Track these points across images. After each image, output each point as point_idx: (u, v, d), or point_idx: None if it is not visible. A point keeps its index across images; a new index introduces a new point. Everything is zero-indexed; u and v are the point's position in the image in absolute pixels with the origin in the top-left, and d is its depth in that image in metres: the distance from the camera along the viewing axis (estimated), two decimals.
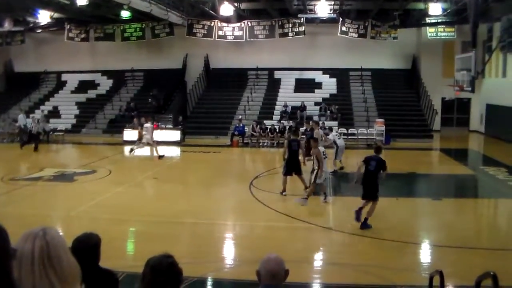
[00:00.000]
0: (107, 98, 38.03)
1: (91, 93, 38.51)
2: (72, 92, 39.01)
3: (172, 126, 31.83)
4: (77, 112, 36.36)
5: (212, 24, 34.44)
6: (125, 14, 32.28)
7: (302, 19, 33.95)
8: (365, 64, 37.61)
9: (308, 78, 38.24)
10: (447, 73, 33.07)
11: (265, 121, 31.71)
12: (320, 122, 26.27)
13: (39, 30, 38.18)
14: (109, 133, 33.02)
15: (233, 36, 34.93)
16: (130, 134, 30.44)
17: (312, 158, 16.88)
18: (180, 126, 31.54)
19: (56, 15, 33.78)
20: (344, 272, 10.32)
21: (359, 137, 30.76)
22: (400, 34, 34.73)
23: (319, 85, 37.64)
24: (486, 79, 34.36)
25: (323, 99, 35.68)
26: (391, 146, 28.71)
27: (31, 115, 31.76)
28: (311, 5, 33.08)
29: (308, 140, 19.00)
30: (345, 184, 18.96)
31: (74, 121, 35.34)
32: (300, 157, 17.66)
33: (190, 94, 37.92)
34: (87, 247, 4.37)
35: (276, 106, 35.37)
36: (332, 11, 33.44)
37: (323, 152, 15.79)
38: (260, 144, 29.72)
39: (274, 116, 33.92)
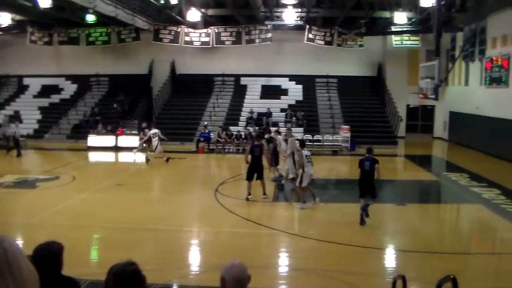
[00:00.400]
0: (71, 103, 37.46)
1: (55, 98, 37.96)
2: (35, 96, 38.38)
3: (137, 132, 31.54)
4: (39, 117, 35.80)
5: (178, 30, 34.32)
6: (90, 18, 31.88)
7: (269, 26, 34.10)
8: (331, 71, 37.89)
9: (274, 84, 38.33)
10: (412, 81, 33.54)
11: (231, 127, 31.68)
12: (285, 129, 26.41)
13: (0, 33, 37.44)
14: (73, 139, 32.58)
15: (199, 42, 34.85)
16: (94, 140, 30.22)
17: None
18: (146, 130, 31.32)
19: (18, 17, 33.14)
20: (309, 277, 10.34)
21: (325, 143, 30.91)
22: (366, 42, 35.11)
23: (285, 92, 37.76)
24: (450, 87, 34.95)
25: (289, 105, 35.78)
26: (356, 153, 28.90)
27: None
28: (278, 12, 33.22)
29: (274, 148, 19.19)
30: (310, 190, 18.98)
31: (36, 126, 34.76)
32: (265, 162, 17.84)
33: (155, 100, 37.67)
34: (48, 255, 4.27)
35: (242, 113, 35.37)
36: (299, 18, 33.64)
37: (306, 155, 16.09)
38: (226, 151, 29.65)
39: (240, 123, 33.91)
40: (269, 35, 34.34)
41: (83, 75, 38.96)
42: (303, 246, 12.49)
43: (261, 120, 33.37)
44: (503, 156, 26.27)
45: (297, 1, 30.04)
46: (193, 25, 33.66)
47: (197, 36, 34.65)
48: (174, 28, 34.38)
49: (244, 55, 36.89)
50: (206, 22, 34.00)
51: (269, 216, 15.53)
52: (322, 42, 34.63)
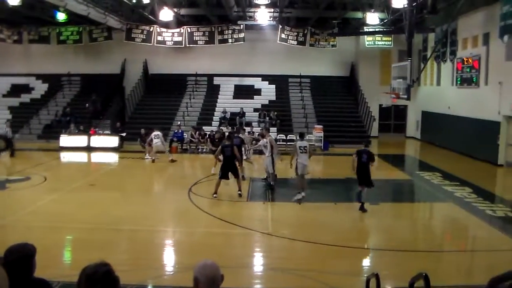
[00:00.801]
0: (42, 102, 37.00)
1: (25, 97, 37.44)
2: (4, 96, 37.77)
3: (109, 132, 31.34)
4: (9, 116, 35.20)
5: (151, 29, 34.15)
6: (61, 16, 31.56)
7: (241, 25, 34.09)
8: (304, 71, 38.05)
9: (247, 84, 38.34)
10: (384, 81, 33.83)
11: (204, 127, 31.59)
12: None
13: None
14: (45, 139, 32.18)
15: (172, 42, 34.71)
16: (66, 140, 29.92)
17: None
18: (120, 130, 31.17)
19: None
20: (284, 277, 10.35)
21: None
22: (338, 42, 35.31)
23: (258, 92, 37.78)
24: (422, 87, 35.31)
25: (262, 105, 35.83)
26: (330, 152, 29.11)
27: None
28: (251, 12, 33.19)
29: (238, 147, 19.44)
30: (283, 190, 19.03)
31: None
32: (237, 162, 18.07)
33: (128, 100, 37.38)
34: (20, 258, 4.19)
35: (215, 112, 35.30)
36: (271, 18, 33.64)
37: (300, 146, 16.80)
38: (199, 150, 29.54)
39: (213, 122, 33.85)
40: (242, 35, 34.34)
41: (54, 74, 38.48)
42: (277, 246, 12.50)
43: (234, 120, 33.34)
44: (474, 155, 26.64)
45: (269, 1, 30.02)
46: (166, 25, 33.49)
47: (170, 36, 34.51)
48: (147, 28, 34.19)
49: (217, 55, 36.86)
50: (179, 21, 33.84)
51: (243, 215, 15.52)
52: (295, 42, 34.74)
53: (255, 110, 35.24)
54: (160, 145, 25.54)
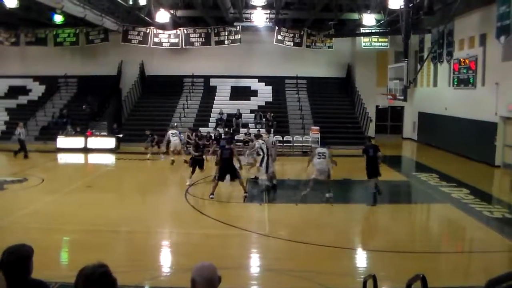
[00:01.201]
0: (39, 104, 36.99)
1: (22, 99, 37.43)
2: (1, 97, 37.72)
3: (106, 134, 31.34)
4: (7, 118, 35.25)
5: (147, 31, 34.15)
6: (58, 18, 31.50)
7: (238, 27, 34.11)
8: (300, 73, 38.08)
9: (244, 85, 38.35)
10: (381, 82, 33.84)
11: (200, 129, 31.53)
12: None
13: None
14: (42, 140, 32.16)
15: (168, 43, 34.72)
16: (63, 141, 29.94)
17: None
18: (117, 132, 31.16)
19: None
20: (281, 278, 10.34)
21: (295, 144, 30.98)
22: (335, 43, 35.33)
23: (254, 93, 37.80)
24: (418, 88, 35.38)
25: (259, 106, 35.86)
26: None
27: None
28: (247, 13, 33.19)
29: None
30: (280, 191, 19.05)
31: (3, 127, 34.24)
32: (236, 163, 18.03)
33: (125, 101, 37.36)
34: (17, 259, 4.18)
35: (211, 114, 35.31)
36: (268, 19, 33.65)
37: (319, 152, 17.32)
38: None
39: (209, 124, 33.86)
40: (238, 36, 34.36)
41: (51, 76, 38.41)
42: (274, 247, 12.50)
43: (231, 121, 33.37)
44: (471, 156, 26.69)
45: (266, 3, 30.02)
46: (162, 26, 33.50)
47: (166, 37, 34.53)
48: (143, 29, 34.20)
49: (214, 56, 36.83)
50: (175, 23, 33.85)
51: (239, 217, 15.51)
52: (291, 44, 34.78)
53: (252, 111, 35.25)
54: (179, 143, 25.47)
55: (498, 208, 16.55)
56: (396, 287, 9.24)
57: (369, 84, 36.21)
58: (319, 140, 30.16)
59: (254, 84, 38.46)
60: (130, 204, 17.09)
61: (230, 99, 37.19)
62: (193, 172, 19.82)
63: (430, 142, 32.94)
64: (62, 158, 28.34)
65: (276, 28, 34.07)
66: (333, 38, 35.03)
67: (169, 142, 26.01)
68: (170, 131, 25.78)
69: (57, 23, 32.78)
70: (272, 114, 33.96)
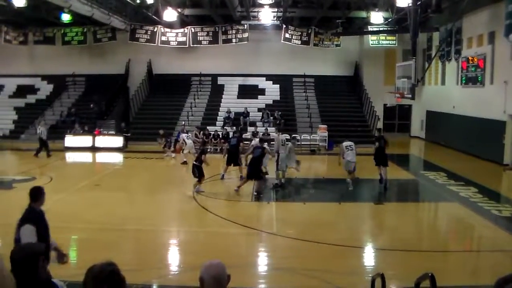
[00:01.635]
0: (47, 103, 37.12)
1: (31, 98, 37.57)
2: (10, 96, 37.92)
3: (114, 132, 31.40)
4: (15, 117, 35.40)
5: (155, 30, 34.17)
6: (65, 17, 31.60)
7: (245, 25, 34.07)
8: (308, 71, 38.04)
9: (251, 84, 38.33)
10: (389, 80, 33.72)
11: (208, 127, 31.58)
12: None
13: None
14: (50, 139, 32.09)
15: (176, 42, 34.73)
16: (71, 140, 30.02)
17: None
18: (124, 130, 31.24)
19: None
20: (289, 276, 10.35)
21: (302, 143, 30.94)
22: (342, 42, 35.28)
23: (262, 91, 37.78)
24: (426, 86, 35.25)
25: (266, 105, 35.81)
26: (334, 152, 29.00)
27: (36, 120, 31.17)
28: (255, 12, 33.19)
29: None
30: (288, 190, 19.06)
31: (12, 126, 34.40)
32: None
33: (132, 100, 37.43)
34: (26, 257, 4.19)
35: (219, 112, 35.31)
36: (275, 18, 33.66)
37: (346, 146, 19.11)
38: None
39: (217, 122, 33.86)
40: (246, 34, 34.32)
41: (59, 75, 38.53)
42: (282, 245, 12.50)
43: (239, 120, 33.36)
44: (479, 155, 26.56)
45: (273, 1, 29.99)
46: (170, 25, 33.52)
47: (174, 36, 34.52)
48: (151, 28, 34.21)
49: (221, 55, 36.85)
50: (183, 22, 33.86)
51: (247, 215, 15.52)
52: (299, 42, 34.73)
53: (259, 110, 35.21)
54: (192, 145, 25.56)
55: (506, 207, 16.48)
56: (404, 286, 9.21)
57: (377, 83, 36.12)
58: (326, 138, 30.25)
59: (261, 83, 38.44)
60: (138, 202, 17.14)
61: (238, 98, 37.19)
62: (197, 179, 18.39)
63: (438, 140, 32.82)
64: (70, 157, 28.43)
65: (284, 26, 34.01)
66: (340, 36, 34.97)
67: (177, 142, 26.36)
68: (184, 134, 25.87)
69: (65, 22, 32.87)
70: (279, 113, 33.96)
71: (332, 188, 19.58)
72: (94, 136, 30.45)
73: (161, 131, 28.54)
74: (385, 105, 35.69)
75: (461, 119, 28.90)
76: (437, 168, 24.01)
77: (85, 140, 30.26)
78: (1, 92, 38.58)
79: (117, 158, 28.57)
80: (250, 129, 31.62)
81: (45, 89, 38.81)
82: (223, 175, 20.54)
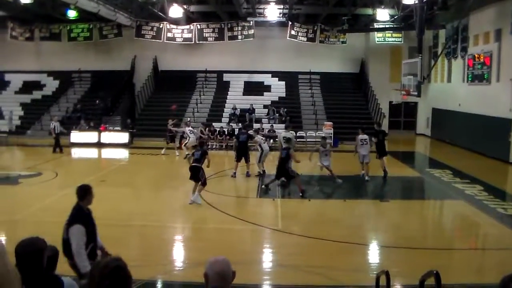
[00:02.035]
0: (53, 99, 37.24)
1: (37, 94, 37.70)
2: (16, 92, 38.06)
3: (120, 128, 31.46)
4: (21, 113, 35.54)
5: (161, 26, 34.16)
6: (71, 14, 31.60)
7: (251, 22, 34.04)
8: (314, 68, 38.01)
9: (257, 81, 38.32)
10: (395, 78, 33.70)
11: (214, 124, 31.64)
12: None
13: None
14: (52, 134, 32.28)
15: (182, 39, 34.72)
16: (77, 136, 30.08)
17: None
18: (131, 127, 31.28)
19: None
20: (294, 273, 10.35)
21: (308, 139, 30.94)
22: (348, 39, 35.20)
23: (268, 88, 37.78)
24: (432, 84, 35.18)
25: (272, 102, 35.82)
26: (339, 149, 28.98)
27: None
28: (261, 8, 33.15)
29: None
30: (293, 187, 19.05)
31: (18, 122, 34.54)
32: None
33: (138, 96, 37.48)
34: (31, 252, 4.20)
35: (225, 109, 35.34)
36: (281, 15, 33.59)
37: (361, 139, 20.31)
38: (209, 147, 29.56)
39: (223, 119, 33.89)
40: (252, 31, 34.28)
41: (65, 71, 38.61)
42: (287, 242, 12.50)
43: (244, 117, 33.37)
44: (485, 153, 26.51)
45: None
46: (176, 22, 33.51)
47: (180, 33, 34.51)
48: (156, 25, 34.21)
49: (227, 51, 36.87)
50: (189, 18, 33.86)
51: (252, 212, 15.55)
52: (305, 39, 34.67)
53: (265, 106, 35.25)
54: (195, 140, 25.70)
55: None
56: (409, 284, 9.22)
57: (383, 80, 36.07)
58: (332, 135, 30.22)
59: (267, 80, 38.42)
60: (143, 198, 17.18)
61: (243, 94, 37.19)
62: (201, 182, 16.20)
63: (444, 138, 32.76)
64: (76, 152, 28.47)
65: (290, 23, 33.96)
66: (346, 33, 34.88)
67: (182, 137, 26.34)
68: (188, 128, 25.93)
69: (71, 18, 32.83)
70: (285, 109, 33.97)
71: (337, 185, 19.56)
72: (99, 132, 30.54)
73: (170, 121, 28.14)
74: (391, 102, 35.68)
75: (467, 116, 28.83)
76: (443, 166, 23.95)
77: (90, 136, 30.37)
78: (8, 88, 38.70)
79: (123, 154, 28.62)
80: (256, 125, 31.63)
81: (51, 85, 38.90)
82: (234, 173, 20.51)
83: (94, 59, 38.36)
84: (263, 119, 33.13)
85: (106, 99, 35.37)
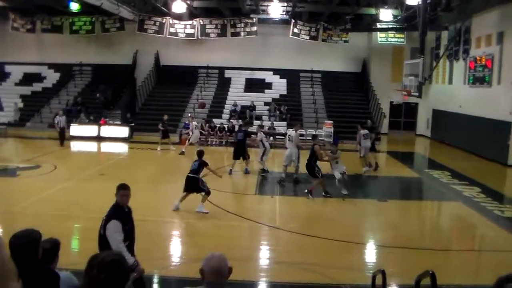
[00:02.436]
0: (53, 91, 37.25)
1: (37, 86, 37.72)
2: (16, 84, 38.05)
3: (120, 122, 31.46)
4: (21, 105, 35.52)
5: (163, 21, 34.13)
6: (74, 6, 31.57)
7: (254, 19, 34.02)
8: (315, 66, 38.05)
9: (258, 78, 38.35)
10: (396, 78, 33.73)
11: (214, 120, 31.65)
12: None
13: None
14: (55, 128, 32.26)
15: (184, 34, 34.70)
16: (77, 129, 30.07)
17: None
18: (130, 121, 31.27)
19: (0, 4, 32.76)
20: (290, 270, 10.37)
21: (308, 138, 30.91)
22: (351, 38, 35.21)
23: (269, 86, 37.80)
24: (433, 85, 35.17)
25: (273, 99, 35.84)
26: (339, 148, 28.92)
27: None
28: (264, 5, 33.14)
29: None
30: (291, 184, 19.08)
31: (18, 114, 34.48)
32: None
33: (139, 91, 37.48)
34: (26, 243, 4.19)
35: (225, 105, 35.34)
36: (284, 12, 33.58)
37: (363, 134, 21.47)
38: (209, 143, 29.61)
39: (223, 115, 33.90)
40: (254, 28, 34.28)
41: (66, 64, 38.64)
42: (285, 239, 12.52)
43: (245, 113, 33.38)
44: (484, 155, 26.53)
45: None
46: (178, 17, 33.50)
47: (182, 28, 34.49)
48: (159, 19, 34.18)
49: (229, 47, 36.87)
50: (191, 14, 33.86)
51: (250, 209, 15.56)
52: (307, 37, 34.65)
53: (266, 104, 35.28)
54: (198, 136, 26.09)
55: (509, 208, 16.47)
56: (405, 283, 9.25)
57: (384, 80, 36.12)
58: (332, 134, 30.24)
59: (268, 77, 38.44)
60: (142, 193, 17.11)
61: (245, 91, 37.25)
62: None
63: (443, 139, 32.76)
64: (75, 146, 28.47)
65: (292, 21, 33.96)
66: (349, 33, 34.93)
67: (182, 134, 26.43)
68: (194, 123, 26.09)
69: (73, 11, 32.81)
70: (286, 107, 33.98)
71: (336, 184, 19.55)
72: (99, 125, 30.54)
73: (165, 116, 28.04)
74: (391, 102, 35.68)
75: (467, 118, 28.85)
76: (442, 167, 23.98)
77: (90, 130, 30.38)
78: (8, 79, 38.70)
79: (122, 148, 28.63)
80: (256, 122, 31.61)
81: (52, 77, 38.91)
82: (230, 170, 20.55)
83: (96, 53, 38.37)
84: (263, 116, 33.11)
85: (107, 93, 35.37)
